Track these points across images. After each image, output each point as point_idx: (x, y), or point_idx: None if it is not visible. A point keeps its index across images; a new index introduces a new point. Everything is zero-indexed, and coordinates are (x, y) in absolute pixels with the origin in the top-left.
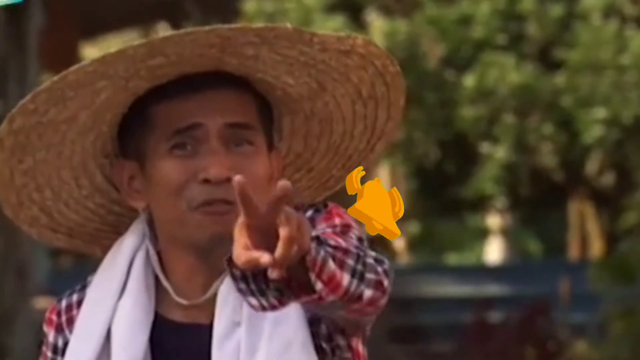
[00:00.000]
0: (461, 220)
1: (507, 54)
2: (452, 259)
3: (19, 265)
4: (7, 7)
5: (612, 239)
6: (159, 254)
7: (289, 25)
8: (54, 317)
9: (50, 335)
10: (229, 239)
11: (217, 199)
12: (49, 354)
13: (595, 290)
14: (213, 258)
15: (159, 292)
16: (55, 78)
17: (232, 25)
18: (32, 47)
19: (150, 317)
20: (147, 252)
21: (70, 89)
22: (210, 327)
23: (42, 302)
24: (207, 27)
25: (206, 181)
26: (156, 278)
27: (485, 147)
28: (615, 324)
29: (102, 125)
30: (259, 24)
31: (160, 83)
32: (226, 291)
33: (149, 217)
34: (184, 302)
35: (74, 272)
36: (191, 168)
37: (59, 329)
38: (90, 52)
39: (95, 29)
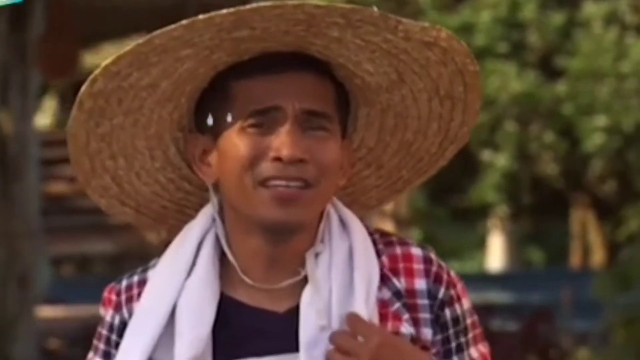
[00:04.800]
0: (463, 228)
1: (508, 62)
2: (454, 266)
3: (21, 274)
4: (8, 8)
5: (614, 247)
6: (226, 235)
7: (375, 8)
8: (113, 297)
9: (108, 314)
10: (296, 228)
11: (287, 176)
12: (104, 332)
13: (597, 298)
14: (279, 244)
15: (225, 272)
16: (141, 41)
17: (319, 3)
18: (34, 56)
19: (217, 296)
20: (216, 234)
21: (155, 54)
22: (282, 316)
23: (44, 311)
24: (294, 2)
25: (277, 159)
26: (222, 260)
27: (486, 155)
28: (618, 332)
29: (181, 97)
30: (345, 5)
31: (241, 59)
32: (309, 296)
33: (219, 201)
34: (249, 281)
35: (76, 281)
36: (264, 145)
37: (118, 308)
38: (92, 60)
39: (97, 38)
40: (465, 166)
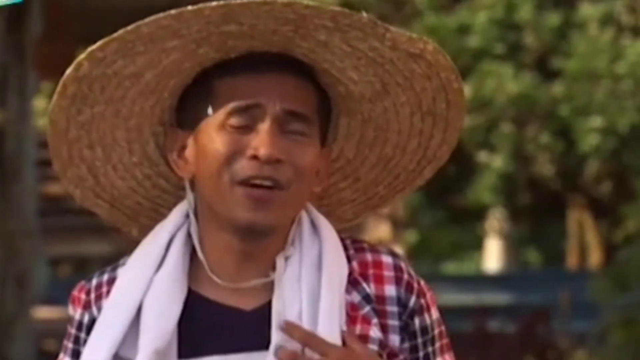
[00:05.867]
0: (460, 229)
1: (504, 64)
2: (451, 268)
3: (19, 274)
4: (6, 8)
5: (611, 247)
6: (199, 233)
7: (364, 14)
8: (83, 296)
9: (77, 313)
10: (267, 231)
11: (262, 175)
12: (73, 331)
13: (595, 299)
14: (250, 244)
15: (195, 269)
16: (129, 28)
17: (310, 3)
18: (32, 57)
19: (184, 292)
20: (188, 231)
21: (141, 43)
22: (249, 314)
23: (41, 312)
24: (284, 0)
25: (254, 158)
26: (192, 257)
27: (483, 156)
28: (615, 333)
29: (164, 91)
30: (335, 8)
31: (227, 57)
32: (281, 304)
33: (194, 198)
34: (217, 279)
35: (73, 281)
36: (242, 143)
37: (87, 306)
38: None
39: (94, 38)
40: (461, 167)
